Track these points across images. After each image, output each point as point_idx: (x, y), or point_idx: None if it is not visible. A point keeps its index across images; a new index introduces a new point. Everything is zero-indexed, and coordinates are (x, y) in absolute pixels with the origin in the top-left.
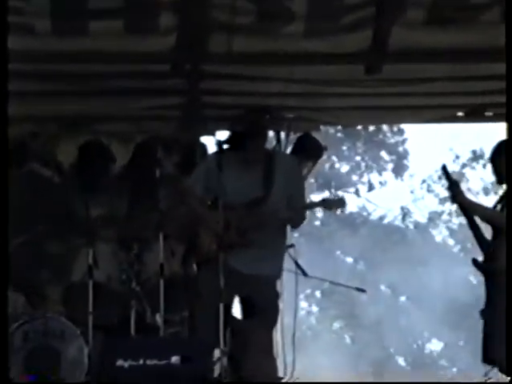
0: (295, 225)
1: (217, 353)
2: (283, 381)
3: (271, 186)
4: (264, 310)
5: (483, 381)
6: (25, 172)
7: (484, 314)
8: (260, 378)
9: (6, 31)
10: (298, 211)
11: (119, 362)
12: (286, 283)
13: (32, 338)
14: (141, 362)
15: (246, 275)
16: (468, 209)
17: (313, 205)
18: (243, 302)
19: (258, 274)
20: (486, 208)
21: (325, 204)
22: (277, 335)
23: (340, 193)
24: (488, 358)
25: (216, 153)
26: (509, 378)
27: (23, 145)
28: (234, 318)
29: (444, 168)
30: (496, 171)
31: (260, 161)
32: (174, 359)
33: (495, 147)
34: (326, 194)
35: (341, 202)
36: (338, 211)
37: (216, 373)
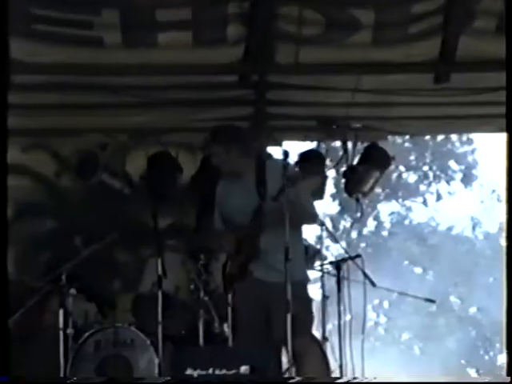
0: (304, 221)
1: (285, 362)
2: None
3: (265, 192)
4: (297, 317)
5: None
6: (95, 183)
7: None
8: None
9: (7, 43)
10: (302, 210)
11: (188, 372)
12: (354, 294)
13: (103, 347)
14: (210, 371)
15: (269, 283)
16: None
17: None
18: (274, 312)
19: (279, 282)
20: None
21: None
22: (345, 346)
23: (407, 203)
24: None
25: (221, 182)
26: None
27: (93, 156)
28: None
29: None
30: None
31: (248, 171)
32: (244, 369)
33: None
34: (393, 204)
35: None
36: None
37: None
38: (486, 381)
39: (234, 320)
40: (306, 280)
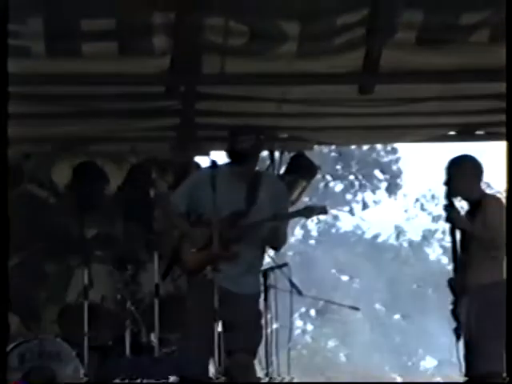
0: (275, 245)
1: (212, 372)
2: None
3: (253, 203)
4: (246, 329)
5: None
6: (20, 193)
7: (457, 330)
8: None
9: (6, 54)
10: (279, 232)
11: (115, 382)
12: (280, 302)
13: (28, 359)
14: (138, 381)
15: (232, 293)
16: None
17: (295, 214)
18: (224, 321)
19: (244, 293)
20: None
21: (307, 212)
22: (272, 355)
23: (334, 211)
24: (473, 373)
25: (206, 168)
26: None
27: (18, 166)
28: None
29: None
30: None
31: (247, 178)
32: (172, 379)
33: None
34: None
35: (323, 209)
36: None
37: None
38: (486, 381)
39: (181, 321)
40: (258, 294)
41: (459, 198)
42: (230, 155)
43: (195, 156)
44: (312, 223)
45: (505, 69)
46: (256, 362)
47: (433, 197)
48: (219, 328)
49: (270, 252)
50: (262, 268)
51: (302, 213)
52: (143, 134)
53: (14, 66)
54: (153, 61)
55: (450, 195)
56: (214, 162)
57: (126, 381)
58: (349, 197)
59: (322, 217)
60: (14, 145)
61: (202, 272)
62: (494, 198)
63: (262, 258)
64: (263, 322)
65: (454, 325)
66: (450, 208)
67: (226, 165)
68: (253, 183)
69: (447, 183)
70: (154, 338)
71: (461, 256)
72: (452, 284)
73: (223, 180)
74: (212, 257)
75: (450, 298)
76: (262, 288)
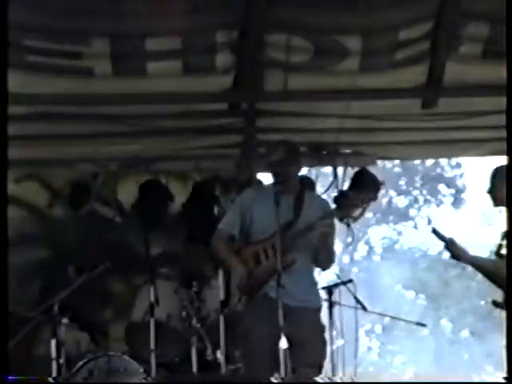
0: (321, 263)
1: None
2: None
3: (300, 213)
4: (311, 344)
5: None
6: (86, 212)
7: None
8: None
9: (6, 68)
10: (327, 249)
11: None
12: (345, 318)
13: (96, 376)
14: None
15: (291, 308)
16: (470, 264)
17: (328, 215)
18: (288, 337)
19: (304, 306)
20: (484, 260)
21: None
22: (337, 372)
23: (398, 227)
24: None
25: (248, 190)
26: None
27: (84, 185)
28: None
29: (434, 231)
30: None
31: (293, 191)
32: None
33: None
34: (384, 228)
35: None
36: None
37: None
38: (486, 381)
39: (245, 341)
40: (321, 308)
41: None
42: (270, 173)
43: (258, 173)
44: (376, 239)
45: None
46: (322, 378)
47: (500, 211)
48: (284, 344)
49: (335, 268)
50: (327, 284)
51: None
52: (207, 152)
53: (79, 86)
54: (216, 79)
55: (495, 205)
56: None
57: None
58: (413, 212)
59: (386, 232)
60: (80, 165)
61: (262, 290)
62: None
63: (314, 270)
64: (328, 337)
65: None
66: (448, 245)
67: (269, 184)
68: (297, 198)
69: (491, 192)
70: (219, 354)
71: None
72: (497, 303)
73: (267, 197)
74: (271, 270)
75: None
76: (327, 304)
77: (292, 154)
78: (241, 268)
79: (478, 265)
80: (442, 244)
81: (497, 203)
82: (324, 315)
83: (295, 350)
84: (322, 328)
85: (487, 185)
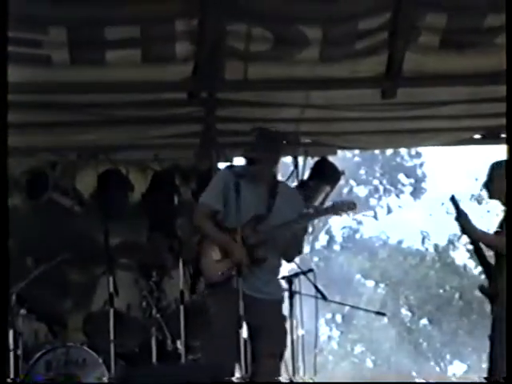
0: (289, 256)
1: (236, 378)
2: None
3: (272, 208)
4: (272, 335)
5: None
6: (44, 201)
7: (491, 338)
8: None
9: (6, 60)
10: (297, 240)
11: None
12: (305, 308)
13: (54, 367)
14: None
15: (256, 299)
16: (474, 238)
17: (323, 212)
18: (250, 327)
19: (268, 299)
20: (488, 234)
21: (335, 209)
22: (298, 361)
23: (358, 217)
24: (495, 380)
25: (229, 169)
26: None
27: (42, 175)
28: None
29: (453, 199)
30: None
31: (267, 181)
32: None
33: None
34: (344, 218)
35: (351, 204)
36: (350, 214)
37: None
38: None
39: (209, 326)
40: (282, 300)
41: (498, 202)
42: (245, 159)
43: (218, 162)
44: (336, 229)
45: None
46: (282, 368)
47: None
48: (245, 334)
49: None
50: (287, 274)
51: (330, 210)
52: (166, 141)
53: (37, 74)
54: (175, 67)
55: (490, 197)
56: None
57: None
58: (373, 202)
59: (346, 222)
60: (39, 154)
61: (228, 280)
62: None
63: (281, 264)
64: (288, 327)
65: (481, 329)
66: (460, 217)
67: (243, 167)
68: (271, 189)
69: (487, 185)
70: (179, 345)
71: (490, 262)
72: (484, 291)
73: (245, 183)
74: (238, 263)
75: (476, 302)
76: (287, 294)
77: (267, 140)
78: (233, 243)
79: (488, 240)
80: (454, 214)
81: (492, 196)
82: (284, 305)
83: (257, 339)
84: (283, 318)
85: (485, 178)
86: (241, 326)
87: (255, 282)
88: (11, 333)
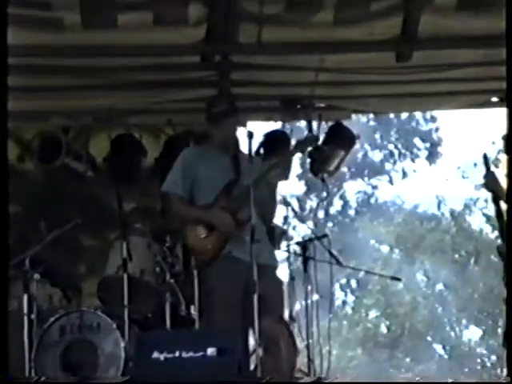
0: (268, 213)
1: (252, 345)
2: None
3: (239, 170)
4: (270, 299)
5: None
6: (57, 166)
7: (507, 302)
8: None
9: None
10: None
11: (155, 355)
12: (320, 273)
13: (68, 331)
14: (176, 354)
15: (249, 264)
16: (500, 196)
17: (289, 153)
18: (248, 293)
19: (262, 263)
20: None
21: (300, 147)
22: (313, 326)
23: (373, 181)
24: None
25: (189, 148)
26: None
27: (55, 139)
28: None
29: (485, 157)
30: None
31: (227, 147)
32: (210, 351)
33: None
34: (359, 183)
35: (313, 137)
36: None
37: (252, 365)
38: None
39: (209, 299)
40: (277, 264)
41: None
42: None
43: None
44: (351, 194)
45: None
46: (296, 333)
47: (475, 165)
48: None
49: (310, 223)
50: (301, 240)
51: (294, 151)
52: (180, 106)
53: (48, 38)
54: (188, 30)
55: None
56: (250, 133)
57: (165, 354)
58: (388, 166)
59: (361, 186)
60: (52, 118)
61: (222, 253)
62: None
63: (265, 227)
64: (303, 292)
65: (497, 294)
66: (487, 174)
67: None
68: (234, 156)
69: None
70: (193, 310)
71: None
72: (500, 251)
73: (209, 155)
74: (228, 230)
75: (492, 267)
76: (301, 259)
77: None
78: (217, 213)
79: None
80: (484, 171)
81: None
82: (299, 270)
83: (261, 305)
84: (281, 283)
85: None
86: (251, 293)
87: (246, 247)
88: (25, 297)
